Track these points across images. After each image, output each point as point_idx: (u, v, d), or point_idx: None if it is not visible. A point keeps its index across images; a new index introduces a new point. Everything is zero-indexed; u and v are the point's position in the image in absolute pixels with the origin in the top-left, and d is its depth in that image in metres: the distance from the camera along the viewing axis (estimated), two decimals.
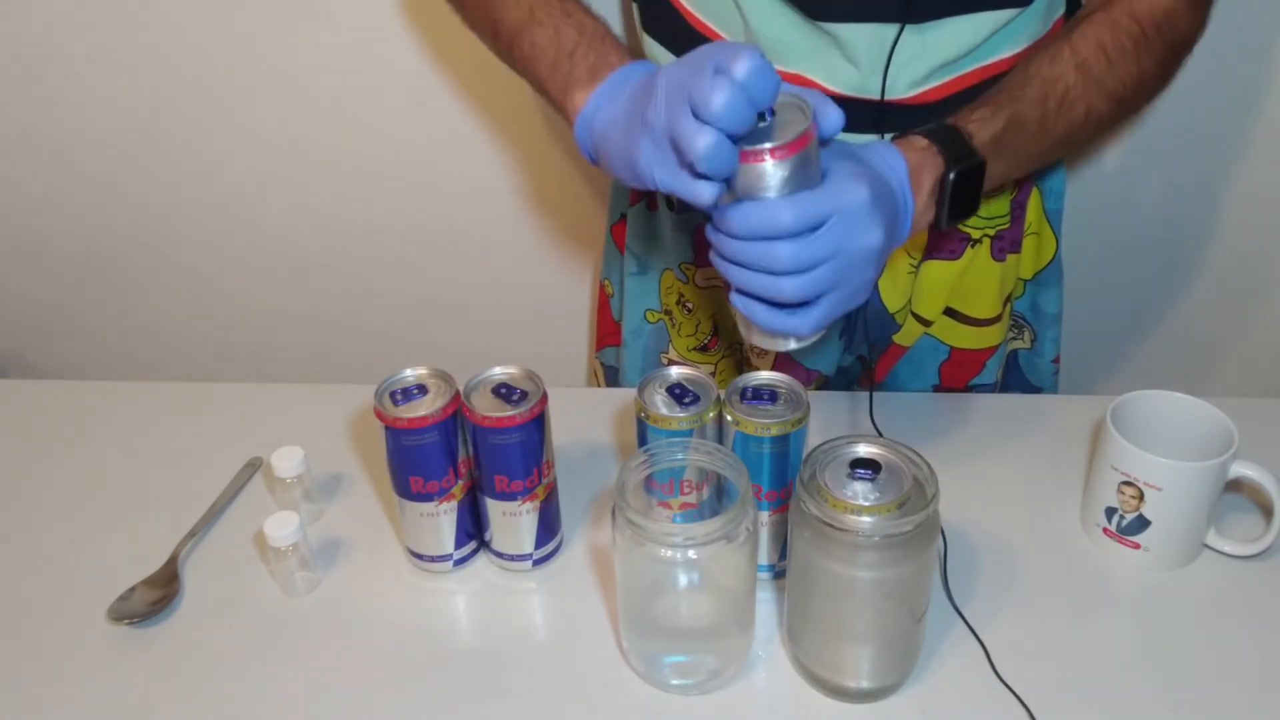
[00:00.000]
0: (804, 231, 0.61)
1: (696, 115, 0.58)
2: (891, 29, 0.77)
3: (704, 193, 0.61)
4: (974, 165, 0.70)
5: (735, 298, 0.65)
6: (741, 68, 0.57)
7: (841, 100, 0.81)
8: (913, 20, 0.77)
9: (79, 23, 1.23)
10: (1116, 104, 0.77)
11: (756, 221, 0.61)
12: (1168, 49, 0.77)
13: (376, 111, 1.27)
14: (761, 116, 0.60)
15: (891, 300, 0.94)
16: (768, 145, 0.60)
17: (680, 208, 0.96)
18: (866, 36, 0.78)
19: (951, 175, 0.69)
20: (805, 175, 0.61)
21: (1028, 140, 0.74)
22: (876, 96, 0.80)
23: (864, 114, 0.82)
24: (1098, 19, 0.76)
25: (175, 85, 1.26)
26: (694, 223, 0.96)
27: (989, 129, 0.72)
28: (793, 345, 0.67)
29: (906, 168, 0.68)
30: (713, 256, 0.65)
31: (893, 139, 0.71)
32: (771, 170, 0.60)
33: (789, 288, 0.62)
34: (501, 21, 0.78)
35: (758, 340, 0.68)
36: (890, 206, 0.66)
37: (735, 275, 0.64)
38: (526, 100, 1.25)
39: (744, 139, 0.60)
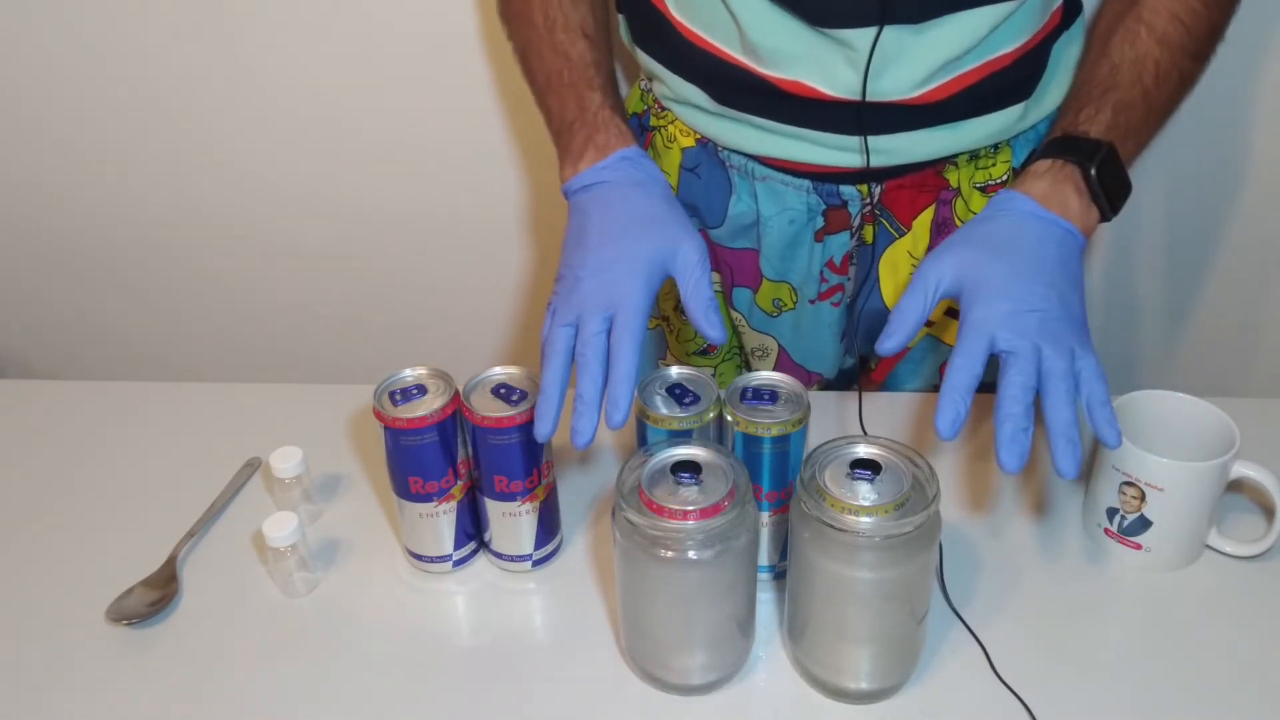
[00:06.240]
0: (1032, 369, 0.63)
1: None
2: (887, 30, 0.77)
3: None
4: (1107, 154, 0.73)
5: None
6: (615, 416, 0.64)
7: (840, 104, 0.81)
8: (911, 20, 0.77)
9: (79, 19, 1.22)
10: (1202, 61, 0.80)
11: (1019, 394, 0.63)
12: None
13: (379, 112, 1.27)
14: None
15: (894, 302, 0.94)
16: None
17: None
18: (867, 40, 0.78)
19: (1094, 172, 0.71)
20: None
21: (1140, 119, 0.77)
22: (880, 99, 0.80)
23: (869, 116, 0.82)
24: None
25: (173, 83, 1.26)
26: (694, 228, 0.96)
27: (1100, 121, 0.75)
28: None
29: (1034, 203, 0.71)
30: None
31: (1013, 181, 0.74)
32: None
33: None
34: (533, 76, 0.87)
35: None
36: (1049, 254, 0.68)
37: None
38: (529, 104, 1.24)
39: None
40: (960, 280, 0.67)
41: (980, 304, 0.65)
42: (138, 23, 1.21)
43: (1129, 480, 0.73)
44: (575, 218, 0.76)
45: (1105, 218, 0.73)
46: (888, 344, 0.67)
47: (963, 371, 0.63)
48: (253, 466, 0.87)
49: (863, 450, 0.64)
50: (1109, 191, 0.72)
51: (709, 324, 0.69)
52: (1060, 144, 0.74)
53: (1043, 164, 0.73)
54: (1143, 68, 0.77)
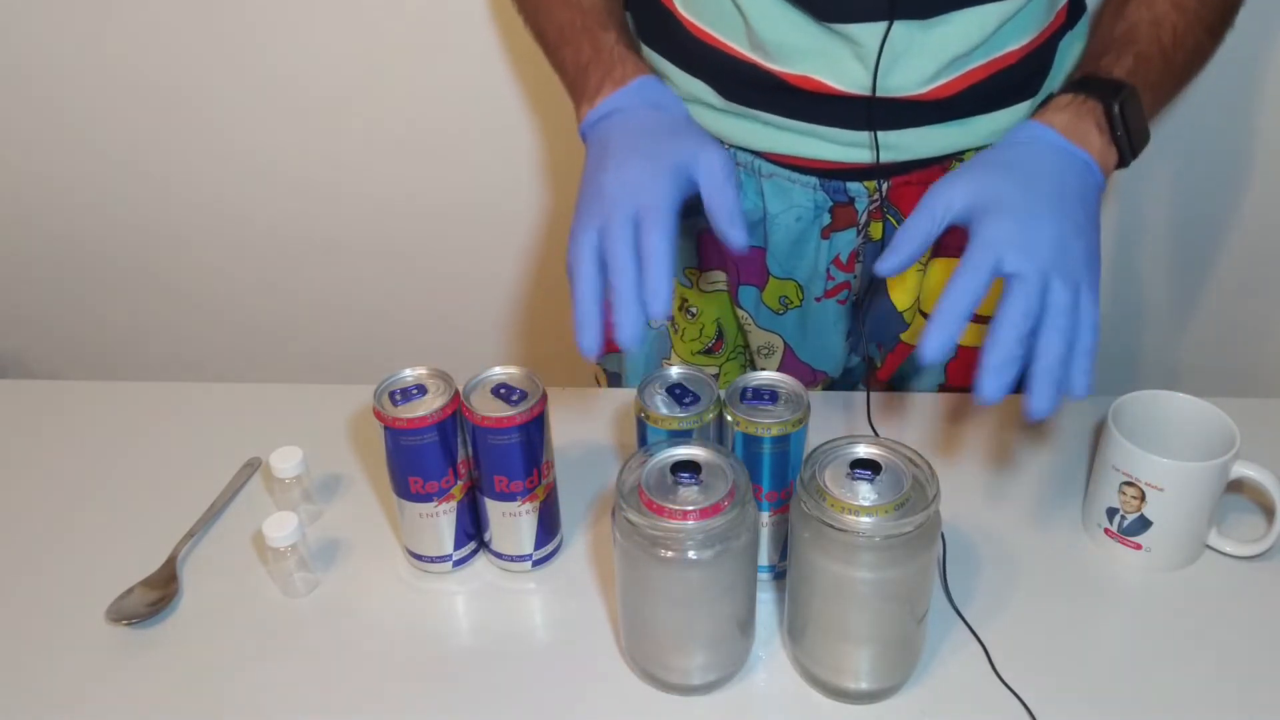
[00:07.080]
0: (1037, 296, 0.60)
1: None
2: (897, 25, 0.77)
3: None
4: (1129, 94, 0.71)
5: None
6: (657, 306, 0.62)
7: (849, 100, 0.81)
8: (919, 16, 0.77)
9: (79, 16, 1.22)
10: (1214, 36, 0.79)
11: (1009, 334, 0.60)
12: None
13: (380, 113, 1.27)
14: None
15: (901, 299, 0.94)
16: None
17: (685, 212, 0.95)
18: (875, 36, 0.78)
19: (1117, 107, 0.70)
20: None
21: (1158, 73, 0.75)
22: (889, 94, 0.80)
23: (877, 111, 0.82)
24: None
25: (173, 83, 1.26)
26: (698, 227, 0.96)
27: (1122, 66, 0.73)
28: None
29: (1055, 133, 0.69)
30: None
31: (1034, 113, 0.72)
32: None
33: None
34: (545, 33, 0.85)
35: None
36: (1069, 185, 0.66)
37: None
38: (530, 102, 1.24)
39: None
40: (972, 204, 0.64)
41: (991, 222, 0.62)
42: (138, 20, 1.21)
43: (1129, 480, 0.73)
44: (594, 148, 0.73)
45: (1124, 161, 0.72)
46: (890, 261, 0.63)
47: (963, 295, 0.60)
48: (253, 466, 0.87)
49: (863, 450, 0.64)
50: (1130, 133, 0.71)
51: (733, 228, 0.66)
52: (1082, 82, 0.72)
53: (1064, 98, 0.71)
54: (1160, 28, 0.76)
